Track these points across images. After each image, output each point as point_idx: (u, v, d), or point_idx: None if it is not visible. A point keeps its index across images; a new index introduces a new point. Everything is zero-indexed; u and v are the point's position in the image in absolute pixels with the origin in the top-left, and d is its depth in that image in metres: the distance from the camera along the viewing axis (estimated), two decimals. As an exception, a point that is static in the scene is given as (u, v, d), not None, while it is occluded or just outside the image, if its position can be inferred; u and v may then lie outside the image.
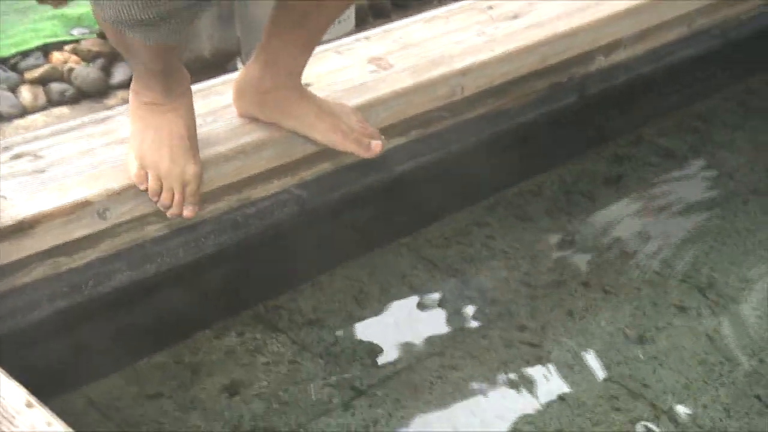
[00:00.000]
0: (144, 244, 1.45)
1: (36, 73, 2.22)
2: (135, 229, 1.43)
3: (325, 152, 1.56)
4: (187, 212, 1.42)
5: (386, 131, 1.60)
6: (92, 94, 2.21)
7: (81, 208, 1.36)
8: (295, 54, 1.46)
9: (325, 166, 1.59)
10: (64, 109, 2.13)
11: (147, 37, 1.29)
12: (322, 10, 1.44)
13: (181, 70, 1.41)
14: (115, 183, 1.38)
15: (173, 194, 1.39)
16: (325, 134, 1.52)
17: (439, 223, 1.81)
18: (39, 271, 1.38)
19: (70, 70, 2.23)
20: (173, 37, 1.30)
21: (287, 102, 1.49)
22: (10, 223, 1.32)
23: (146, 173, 1.38)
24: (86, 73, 2.24)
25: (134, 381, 1.49)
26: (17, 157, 1.45)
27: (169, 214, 1.41)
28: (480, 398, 1.49)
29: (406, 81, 1.67)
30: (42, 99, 2.16)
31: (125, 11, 1.23)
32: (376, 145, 1.52)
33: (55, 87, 2.20)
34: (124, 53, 1.40)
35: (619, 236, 1.83)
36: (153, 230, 1.45)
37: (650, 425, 1.44)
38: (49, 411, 1.07)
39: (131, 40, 1.31)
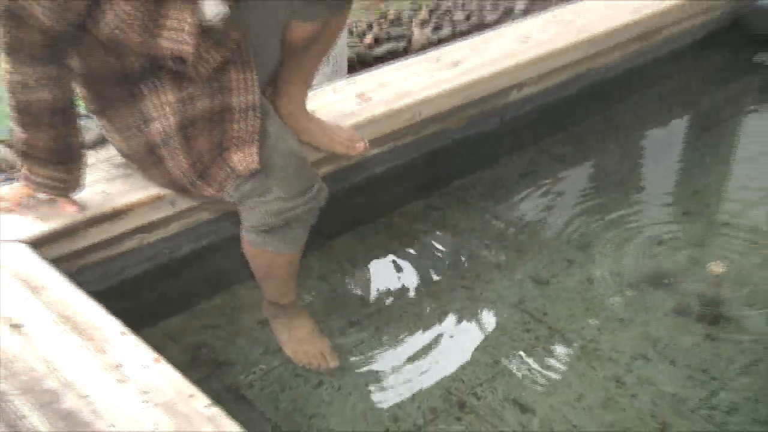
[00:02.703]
0: (200, 224, 1.45)
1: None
2: (194, 215, 1.43)
3: (328, 157, 1.56)
4: (334, 364, 1.39)
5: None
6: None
7: (157, 200, 1.37)
8: (298, 87, 1.46)
9: (329, 168, 1.58)
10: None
11: (278, 247, 1.30)
12: (310, 59, 1.44)
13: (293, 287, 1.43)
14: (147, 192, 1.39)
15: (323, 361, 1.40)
16: (326, 144, 1.51)
17: (406, 207, 1.80)
18: (131, 243, 1.39)
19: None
20: (294, 247, 1.32)
21: (299, 122, 1.47)
22: (109, 210, 1.33)
23: (308, 360, 1.38)
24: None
25: (197, 318, 1.49)
26: (117, 167, 1.44)
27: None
28: (433, 325, 1.49)
29: (381, 109, 1.67)
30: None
31: (263, 220, 1.26)
32: (359, 145, 1.53)
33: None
34: (264, 275, 1.39)
35: (529, 213, 1.84)
36: (205, 215, 1.45)
37: (548, 340, 1.46)
38: (136, 337, 1.08)
39: (269, 256, 1.32)
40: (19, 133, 1.23)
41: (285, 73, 1.42)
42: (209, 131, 1.23)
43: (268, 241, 1.29)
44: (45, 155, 1.23)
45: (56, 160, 1.25)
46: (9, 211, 1.30)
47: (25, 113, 1.20)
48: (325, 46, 1.45)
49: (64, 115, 1.22)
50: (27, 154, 1.24)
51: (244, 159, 1.22)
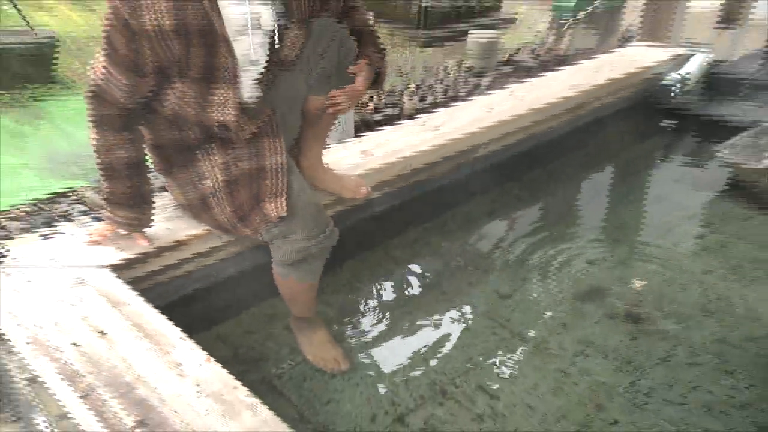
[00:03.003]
0: (242, 252, 1.43)
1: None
2: (235, 246, 1.42)
3: (339, 200, 1.55)
4: (345, 367, 1.34)
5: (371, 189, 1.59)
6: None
7: (209, 234, 1.37)
8: (315, 146, 1.46)
9: (340, 208, 1.56)
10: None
11: (299, 277, 1.29)
12: (322, 126, 1.42)
13: (313, 305, 1.39)
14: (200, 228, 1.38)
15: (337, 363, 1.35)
16: (338, 190, 1.51)
17: (399, 236, 1.79)
18: (189, 267, 1.38)
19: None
20: (312, 276, 1.31)
21: (317, 174, 1.47)
22: (172, 242, 1.34)
23: (324, 364, 1.34)
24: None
25: (239, 324, 1.48)
26: (177, 208, 1.43)
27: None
28: (421, 330, 1.49)
29: (380, 162, 1.67)
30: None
31: (288, 256, 1.25)
32: (363, 190, 1.52)
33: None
34: (289, 297, 1.36)
35: (494, 241, 1.83)
36: (243, 246, 1.43)
37: (510, 341, 1.45)
38: (192, 341, 1.08)
39: (293, 284, 1.30)
40: (103, 184, 1.25)
41: (305, 137, 1.43)
42: (248, 186, 1.23)
43: (291, 272, 1.28)
44: (123, 200, 1.25)
45: (132, 204, 1.26)
46: (97, 243, 1.31)
47: (107, 169, 1.22)
48: (333, 115, 1.45)
49: (137, 169, 1.24)
50: (109, 199, 1.26)
51: (274, 208, 1.21)
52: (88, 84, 1.16)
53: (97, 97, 1.15)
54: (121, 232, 1.29)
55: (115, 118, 1.17)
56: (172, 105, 1.18)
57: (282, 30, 1.20)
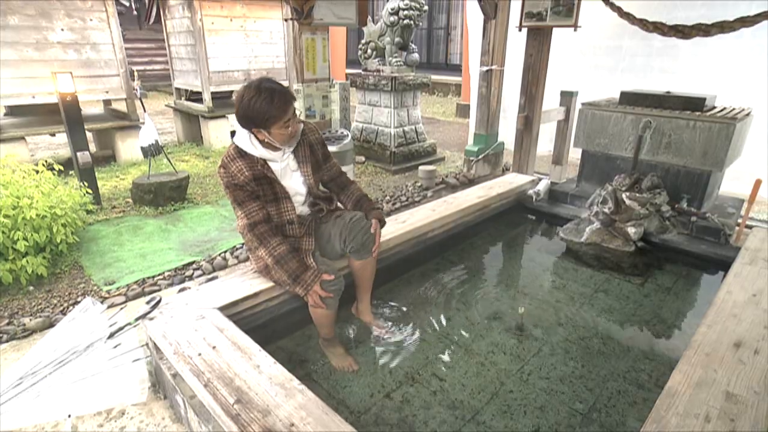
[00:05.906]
0: (292, 299, 1.40)
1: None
2: (287, 293, 1.40)
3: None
4: (355, 369, 1.28)
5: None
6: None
7: (273, 287, 1.37)
8: (365, 297, 1.41)
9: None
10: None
11: (327, 305, 1.22)
12: (363, 278, 1.35)
13: (333, 329, 1.31)
14: (268, 284, 1.35)
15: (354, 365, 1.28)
16: (369, 322, 1.42)
17: (383, 285, 1.68)
18: (262, 307, 1.36)
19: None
20: (331, 307, 1.24)
21: (365, 316, 1.43)
22: (253, 293, 1.34)
23: (341, 367, 1.28)
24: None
25: (292, 340, 1.46)
26: (254, 272, 1.40)
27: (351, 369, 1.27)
28: (398, 341, 1.46)
29: (383, 240, 1.59)
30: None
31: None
32: (382, 331, 1.38)
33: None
34: (318, 322, 1.28)
35: (439, 287, 1.74)
36: (282, 298, 1.38)
37: (450, 346, 1.42)
38: (265, 352, 1.11)
39: (319, 313, 1.23)
40: (281, 274, 1.22)
41: (357, 290, 1.40)
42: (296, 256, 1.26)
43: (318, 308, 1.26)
44: (299, 271, 1.21)
45: (304, 267, 1.21)
46: (320, 307, 1.23)
47: (280, 261, 1.20)
48: (369, 272, 1.36)
49: (294, 252, 1.23)
50: (293, 277, 1.21)
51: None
52: (242, 227, 1.21)
53: (249, 226, 1.21)
54: (316, 288, 1.20)
55: (265, 229, 1.21)
56: (273, 218, 1.25)
57: (308, 173, 1.28)
